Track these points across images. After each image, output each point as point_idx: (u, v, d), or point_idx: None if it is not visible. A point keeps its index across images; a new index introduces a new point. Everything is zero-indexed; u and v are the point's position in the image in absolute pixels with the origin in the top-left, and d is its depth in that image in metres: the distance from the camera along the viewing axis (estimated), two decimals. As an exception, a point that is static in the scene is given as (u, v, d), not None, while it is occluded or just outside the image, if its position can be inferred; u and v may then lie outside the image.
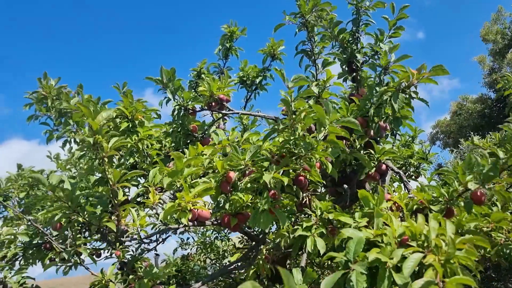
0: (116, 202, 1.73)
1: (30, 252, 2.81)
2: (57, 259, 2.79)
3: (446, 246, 1.26)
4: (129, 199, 2.15)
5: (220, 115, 3.47)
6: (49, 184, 1.60)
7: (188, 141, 3.25)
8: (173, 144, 3.19)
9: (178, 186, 1.93)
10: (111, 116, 1.78)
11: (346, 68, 3.21)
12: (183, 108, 3.13)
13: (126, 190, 2.70)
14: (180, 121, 3.17)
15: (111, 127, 2.51)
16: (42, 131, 3.24)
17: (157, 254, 5.32)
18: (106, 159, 1.64)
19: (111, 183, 1.69)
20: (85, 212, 1.72)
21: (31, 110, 3.17)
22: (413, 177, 4.07)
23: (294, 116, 2.01)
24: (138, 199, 2.88)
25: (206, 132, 3.30)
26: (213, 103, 3.17)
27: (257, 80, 4.29)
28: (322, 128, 2.03)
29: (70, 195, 1.66)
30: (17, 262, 2.90)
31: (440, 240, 1.30)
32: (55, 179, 1.64)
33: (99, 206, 1.72)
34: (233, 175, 2.20)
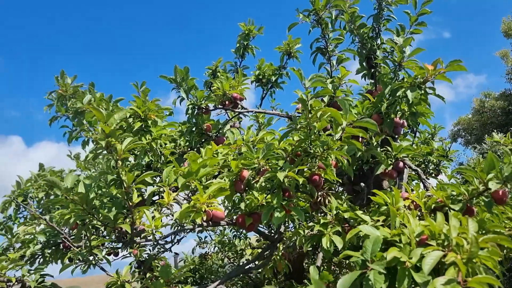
0: (130, 204, 1.73)
1: (49, 251, 2.85)
2: (74, 259, 2.82)
3: (468, 244, 1.22)
4: (144, 199, 2.16)
5: (234, 113, 3.46)
6: (64, 188, 1.60)
7: (203, 140, 3.25)
8: (187, 143, 3.19)
9: (193, 187, 1.93)
10: (124, 117, 1.77)
11: (365, 65, 3.15)
12: (196, 107, 3.13)
13: (142, 190, 2.70)
14: (194, 120, 3.17)
15: (124, 126, 2.52)
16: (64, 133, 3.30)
17: (176, 254, 5.36)
18: (120, 162, 1.64)
19: (125, 185, 1.69)
20: (100, 215, 1.72)
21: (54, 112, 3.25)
22: (433, 175, 3.98)
23: (310, 115, 1.97)
24: (153, 198, 2.89)
25: (220, 131, 3.29)
26: (227, 102, 3.16)
27: (273, 78, 4.26)
28: (339, 128, 1.99)
29: (85, 198, 1.66)
30: (36, 262, 2.94)
31: (462, 238, 1.26)
32: (70, 181, 1.64)
33: (113, 209, 1.72)
34: (247, 174, 2.18)
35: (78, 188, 1.67)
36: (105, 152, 1.64)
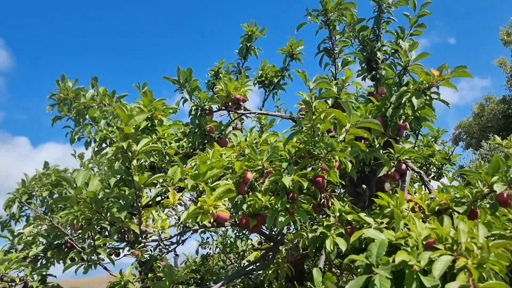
0: (139, 204, 1.73)
1: (51, 252, 2.84)
2: (77, 259, 2.82)
3: (479, 250, 1.21)
4: (149, 199, 2.16)
5: (237, 115, 3.46)
6: (75, 186, 1.60)
7: (205, 141, 3.25)
8: (190, 145, 3.19)
9: (200, 188, 1.92)
10: (144, 118, 1.77)
11: (365, 67, 3.16)
12: (199, 108, 3.13)
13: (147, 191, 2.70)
14: (196, 122, 3.17)
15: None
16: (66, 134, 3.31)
17: (176, 255, 5.34)
18: (134, 162, 1.64)
19: (136, 186, 1.69)
20: (108, 214, 1.72)
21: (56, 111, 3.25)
22: (435, 178, 3.97)
23: (314, 117, 1.97)
24: (157, 199, 2.88)
25: (223, 133, 3.29)
26: (230, 103, 3.16)
27: (275, 80, 4.26)
28: (343, 130, 1.99)
29: (95, 197, 1.66)
30: (39, 263, 2.93)
31: (472, 243, 1.25)
32: (81, 178, 1.64)
33: (123, 209, 1.72)
34: (251, 175, 2.18)
35: (89, 186, 1.67)
36: (122, 154, 1.64)
